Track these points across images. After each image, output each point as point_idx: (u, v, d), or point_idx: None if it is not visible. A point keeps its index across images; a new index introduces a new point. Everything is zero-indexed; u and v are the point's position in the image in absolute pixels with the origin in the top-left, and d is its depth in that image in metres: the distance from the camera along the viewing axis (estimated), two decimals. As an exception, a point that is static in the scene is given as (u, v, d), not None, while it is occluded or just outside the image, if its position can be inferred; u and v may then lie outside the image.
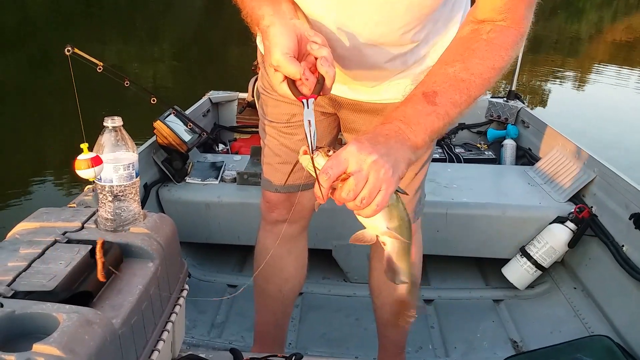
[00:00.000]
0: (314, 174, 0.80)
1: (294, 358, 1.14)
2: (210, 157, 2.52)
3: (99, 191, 0.98)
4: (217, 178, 2.27)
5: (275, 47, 0.85)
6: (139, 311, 0.86)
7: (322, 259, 2.16)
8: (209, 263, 2.29)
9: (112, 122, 0.95)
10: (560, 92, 7.59)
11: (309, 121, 0.85)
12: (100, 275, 0.85)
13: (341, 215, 2.17)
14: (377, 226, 0.87)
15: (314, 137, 0.85)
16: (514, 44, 0.90)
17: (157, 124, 2.18)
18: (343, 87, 1.18)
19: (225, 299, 2.08)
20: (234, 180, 2.24)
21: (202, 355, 1.17)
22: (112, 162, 0.95)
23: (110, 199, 0.97)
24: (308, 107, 0.87)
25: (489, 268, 2.29)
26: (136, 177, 0.99)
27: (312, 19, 0.98)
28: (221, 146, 2.90)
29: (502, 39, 0.89)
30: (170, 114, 2.28)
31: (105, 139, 0.96)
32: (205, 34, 10.39)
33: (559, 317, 2.01)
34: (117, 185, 0.97)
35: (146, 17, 11.88)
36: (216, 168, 2.38)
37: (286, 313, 1.59)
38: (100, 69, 1.93)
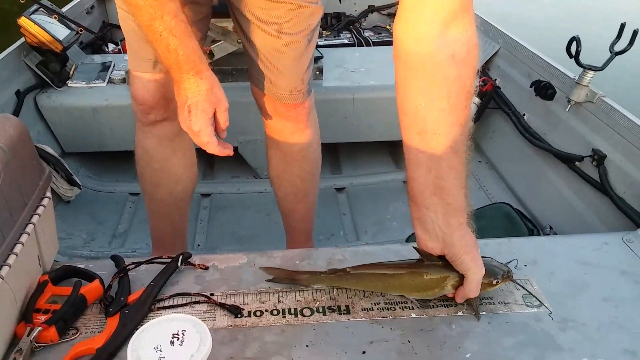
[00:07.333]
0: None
1: (181, 257, 1.07)
2: (98, 58, 2.27)
3: None
4: (104, 80, 2.06)
5: (223, 99, 1.08)
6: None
7: (228, 158, 2.05)
8: (106, 173, 2.14)
9: None
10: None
11: None
12: None
13: (246, 110, 2.04)
14: None
15: None
16: None
17: (23, 21, 1.90)
18: None
19: (127, 208, 1.97)
20: (123, 80, 2.03)
21: (82, 266, 1.07)
22: None
23: None
24: None
25: (400, 150, 2.27)
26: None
27: None
28: (112, 46, 2.63)
29: None
30: (37, 9, 1.99)
31: None
32: None
33: (465, 190, 2.05)
34: None
35: None
36: (104, 69, 2.15)
37: (182, 215, 1.50)
38: None
